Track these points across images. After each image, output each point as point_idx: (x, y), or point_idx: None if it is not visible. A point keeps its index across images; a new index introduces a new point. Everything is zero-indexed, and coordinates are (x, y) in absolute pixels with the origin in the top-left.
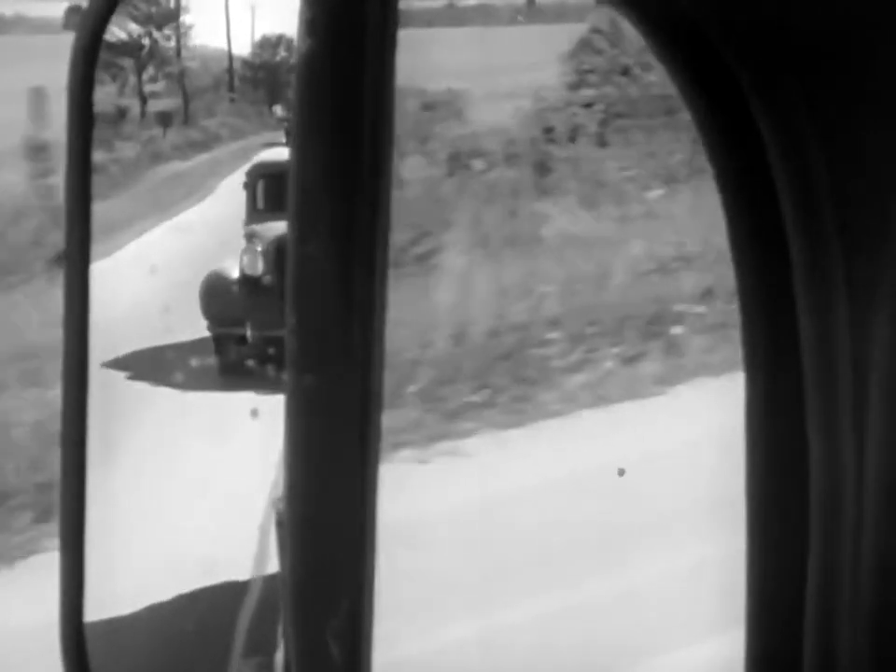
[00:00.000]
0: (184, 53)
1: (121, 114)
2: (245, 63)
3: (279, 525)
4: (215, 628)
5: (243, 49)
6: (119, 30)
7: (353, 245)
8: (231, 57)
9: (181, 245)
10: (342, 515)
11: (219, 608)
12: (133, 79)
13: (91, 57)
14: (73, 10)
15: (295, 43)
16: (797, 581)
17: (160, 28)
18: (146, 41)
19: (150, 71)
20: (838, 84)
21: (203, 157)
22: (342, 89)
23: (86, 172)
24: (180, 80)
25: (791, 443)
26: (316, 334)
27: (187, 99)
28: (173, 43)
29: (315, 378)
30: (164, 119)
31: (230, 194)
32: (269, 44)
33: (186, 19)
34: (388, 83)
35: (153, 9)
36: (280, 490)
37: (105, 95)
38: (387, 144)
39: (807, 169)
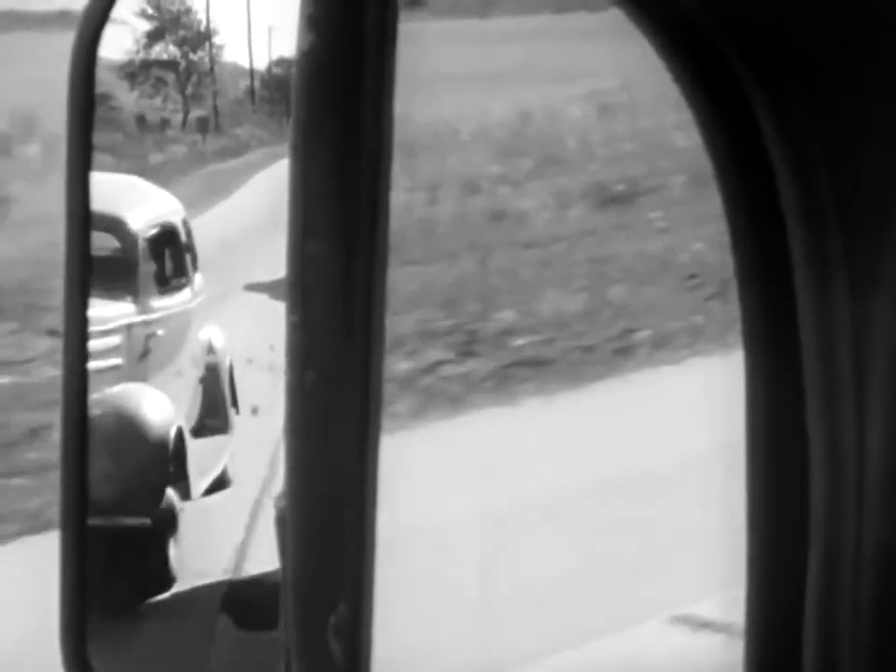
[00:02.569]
0: (215, 70)
1: (164, 123)
2: (263, 79)
3: (280, 522)
4: (213, 625)
5: (263, 66)
6: (162, 52)
7: (353, 241)
8: (252, 74)
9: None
10: (343, 512)
11: (218, 606)
12: (172, 93)
13: (90, 56)
14: None
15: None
16: (797, 576)
17: (195, 50)
18: (183, 61)
19: (190, 87)
20: (839, 81)
21: (235, 161)
22: (342, 84)
23: (86, 171)
24: (213, 95)
25: (792, 440)
26: (317, 331)
27: (217, 111)
28: (206, 62)
29: (315, 375)
30: (202, 127)
31: (250, 195)
32: (284, 62)
33: (216, 41)
34: (389, 79)
35: (188, 34)
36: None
37: (152, 107)
38: (388, 139)
39: (808, 165)
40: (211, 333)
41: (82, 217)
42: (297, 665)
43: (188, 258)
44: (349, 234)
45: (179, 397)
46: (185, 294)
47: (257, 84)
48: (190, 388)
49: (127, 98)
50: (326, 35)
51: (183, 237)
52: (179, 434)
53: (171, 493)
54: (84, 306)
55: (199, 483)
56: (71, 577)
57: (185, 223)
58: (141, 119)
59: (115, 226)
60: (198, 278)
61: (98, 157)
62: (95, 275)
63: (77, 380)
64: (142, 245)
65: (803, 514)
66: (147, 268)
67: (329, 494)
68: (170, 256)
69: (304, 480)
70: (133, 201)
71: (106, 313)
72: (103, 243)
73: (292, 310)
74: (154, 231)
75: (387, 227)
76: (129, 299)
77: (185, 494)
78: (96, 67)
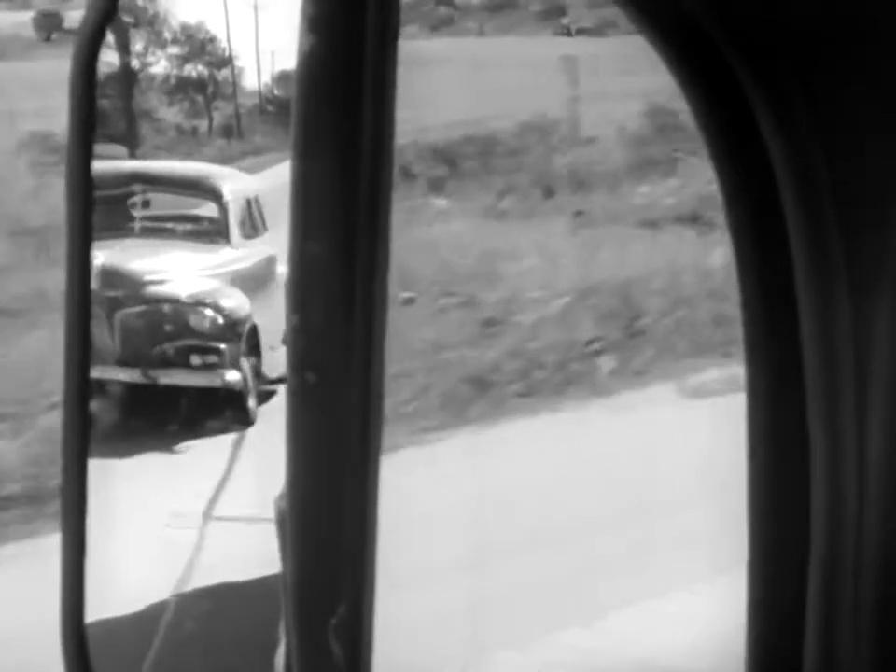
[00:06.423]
0: (236, 88)
1: (194, 130)
2: (268, 96)
3: (280, 524)
4: (214, 628)
5: (269, 84)
6: (192, 71)
7: (354, 243)
8: (260, 92)
9: None
10: (343, 514)
11: (219, 608)
12: (201, 107)
13: (91, 57)
14: None
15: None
16: (798, 577)
17: (220, 70)
18: (210, 81)
19: (215, 102)
20: (839, 81)
21: (255, 158)
22: (343, 85)
23: (87, 173)
24: (235, 108)
25: (792, 441)
26: (318, 333)
27: (239, 121)
28: (228, 81)
29: (316, 376)
30: (227, 134)
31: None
32: (285, 79)
33: (236, 64)
34: (389, 80)
35: (212, 59)
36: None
37: (184, 117)
38: (388, 141)
39: (808, 165)
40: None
41: (83, 220)
42: (297, 666)
43: (259, 218)
44: (349, 235)
45: (263, 310)
46: (261, 242)
47: (264, 100)
48: (275, 307)
49: (167, 111)
50: (327, 37)
51: (255, 205)
52: (254, 329)
53: (246, 364)
54: (86, 307)
55: (271, 371)
56: (71, 576)
57: (256, 198)
58: (178, 127)
59: (215, 196)
60: (268, 233)
61: (155, 153)
62: (202, 230)
63: (78, 376)
64: (232, 208)
65: (803, 515)
66: (235, 224)
67: (330, 495)
68: (249, 216)
69: (305, 481)
70: (227, 181)
71: (207, 260)
72: (209, 207)
73: (292, 311)
74: (240, 200)
75: (388, 228)
76: (223, 245)
77: (258, 372)
78: (96, 74)
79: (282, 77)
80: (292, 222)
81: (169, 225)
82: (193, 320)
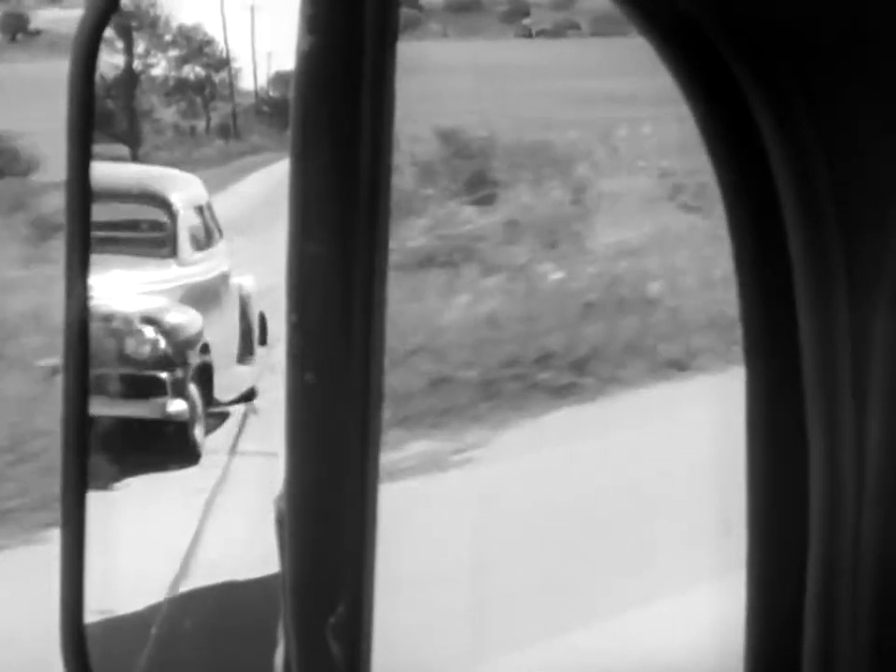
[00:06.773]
0: (233, 89)
1: (192, 130)
2: (264, 97)
3: (279, 523)
4: (213, 627)
5: (265, 85)
6: (189, 72)
7: (353, 243)
8: (256, 92)
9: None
10: (342, 514)
11: (218, 607)
12: (199, 108)
13: (90, 56)
14: None
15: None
16: (797, 576)
17: (217, 71)
18: (207, 83)
19: (212, 103)
20: (838, 82)
21: (252, 157)
22: (342, 85)
23: (85, 171)
24: (233, 108)
25: (791, 441)
26: (317, 332)
27: (236, 121)
28: (226, 82)
29: (315, 376)
30: (224, 133)
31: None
32: (281, 80)
33: (233, 65)
34: (388, 80)
35: (210, 60)
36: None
37: (182, 117)
38: (387, 141)
39: (807, 166)
40: (243, 281)
41: (83, 218)
42: (296, 665)
43: (213, 226)
44: (349, 236)
45: (216, 327)
46: (214, 253)
47: (260, 100)
48: (228, 323)
49: (165, 112)
50: (326, 37)
51: (208, 213)
52: (205, 348)
53: (194, 391)
54: (85, 309)
55: (224, 393)
56: (71, 577)
57: (209, 204)
58: (176, 127)
59: (163, 204)
60: (223, 243)
61: (155, 153)
62: (146, 241)
63: (78, 374)
64: (182, 218)
65: (802, 515)
66: (185, 234)
67: (329, 495)
68: (201, 225)
69: (304, 480)
70: (176, 187)
71: (152, 275)
72: (155, 217)
73: (292, 311)
74: (190, 209)
75: (387, 228)
76: (172, 257)
77: (208, 398)
78: (95, 71)
79: (278, 78)
80: (291, 222)
81: (108, 234)
82: (132, 345)
